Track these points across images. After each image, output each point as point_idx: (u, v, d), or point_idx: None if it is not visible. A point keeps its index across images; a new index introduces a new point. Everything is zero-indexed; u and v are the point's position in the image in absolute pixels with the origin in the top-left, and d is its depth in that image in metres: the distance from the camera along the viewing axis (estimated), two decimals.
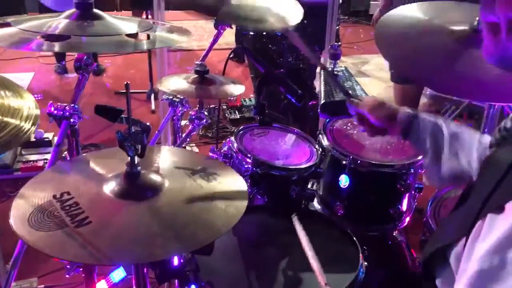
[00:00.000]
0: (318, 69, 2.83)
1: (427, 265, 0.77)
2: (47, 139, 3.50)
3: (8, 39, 1.22)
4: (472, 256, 0.63)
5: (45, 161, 3.32)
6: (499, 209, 0.62)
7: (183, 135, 1.81)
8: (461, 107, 3.59)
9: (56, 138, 3.49)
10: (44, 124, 1.20)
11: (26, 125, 0.92)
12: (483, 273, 0.61)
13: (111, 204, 1.04)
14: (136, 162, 1.07)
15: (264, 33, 2.92)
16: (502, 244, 0.60)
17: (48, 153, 3.44)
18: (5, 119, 0.91)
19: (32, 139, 3.49)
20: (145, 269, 1.15)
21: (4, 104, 0.95)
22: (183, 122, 1.93)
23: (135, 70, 5.26)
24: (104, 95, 4.58)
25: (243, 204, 1.11)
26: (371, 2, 7.43)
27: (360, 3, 7.65)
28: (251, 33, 3.05)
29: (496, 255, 0.60)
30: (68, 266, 1.42)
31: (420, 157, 1.66)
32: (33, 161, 3.34)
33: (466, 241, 0.66)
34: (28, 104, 0.98)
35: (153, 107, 4.26)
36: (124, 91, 4.33)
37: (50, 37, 1.24)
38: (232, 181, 1.18)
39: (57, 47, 1.20)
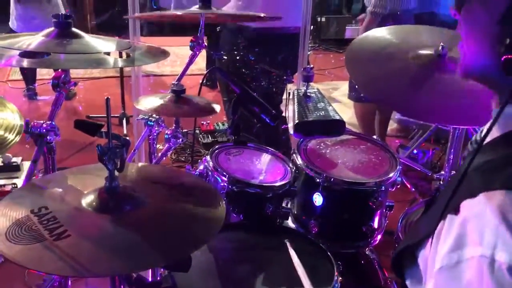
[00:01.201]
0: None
1: (396, 266, 0.80)
2: (15, 163, 3.44)
3: None
4: (436, 256, 0.67)
5: (14, 185, 3.26)
6: (456, 210, 0.67)
7: (159, 155, 1.83)
8: (428, 131, 3.70)
9: (24, 163, 3.46)
10: (13, 148, 1.20)
11: (10, 136, 0.92)
12: (444, 270, 0.65)
13: (90, 218, 1.05)
14: (115, 176, 1.08)
15: (238, 57, 2.98)
16: (457, 242, 0.64)
17: (17, 177, 3.38)
18: None
19: (0, 163, 3.43)
20: (121, 286, 1.15)
21: None
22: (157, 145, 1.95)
23: (107, 94, 5.23)
24: (76, 118, 4.53)
25: (220, 217, 1.12)
26: (347, 27, 7.63)
27: (331, 31, 7.86)
28: (224, 57, 3.11)
29: (454, 253, 0.64)
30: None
31: (391, 175, 1.72)
32: (1, 185, 3.27)
33: (432, 241, 0.70)
34: (12, 115, 0.98)
35: (125, 131, 4.25)
36: (96, 115, 4.34)
37: (28, 54, 1.25)
38: (209, 196, 1.20)
39: (36, 63, 1.21)
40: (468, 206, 0.66)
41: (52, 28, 1.33)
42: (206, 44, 2.07)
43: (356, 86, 3.17)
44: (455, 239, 0.65)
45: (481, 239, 0.62)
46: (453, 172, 2.15)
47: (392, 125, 4.25)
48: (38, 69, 5.11)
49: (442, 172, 2.20)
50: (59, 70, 1.34)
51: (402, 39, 1.79)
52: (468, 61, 0.79)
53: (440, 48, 1.73)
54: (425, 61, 1.75)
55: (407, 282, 0.78)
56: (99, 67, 1.15)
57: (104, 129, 1.07)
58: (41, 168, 2.00)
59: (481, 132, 0.80)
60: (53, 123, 1.32)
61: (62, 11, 4.66)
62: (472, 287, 0.61)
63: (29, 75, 5.01)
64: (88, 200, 1.08)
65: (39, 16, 4.45)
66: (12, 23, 4.64)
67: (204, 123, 4.21)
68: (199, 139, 4.00)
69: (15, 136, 0.93)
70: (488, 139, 0.72)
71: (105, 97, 1.04)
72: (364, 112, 3.73)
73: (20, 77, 5.35)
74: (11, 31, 4.54)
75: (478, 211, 0.64)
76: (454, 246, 0.64)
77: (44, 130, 1.31)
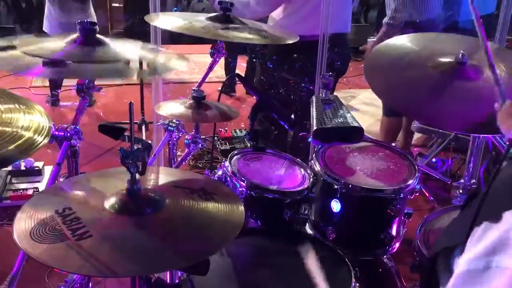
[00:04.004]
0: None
1: (431, 267, 0.80)
2: (37, 168, 3.50)
3: (13, 62, 1.26)
4: (462, 258, 0.67)
5: (35, 189, 3.31)
6: (497, 218, 0.66)
7: (179, 160, 1.85)
8: (447, 140, 3.67)
9: (46, 168, 3.52)
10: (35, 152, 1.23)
11: (39, 138, 0.95)
12: (468, 274, 0.64)
13: (111, 219, 1.07)
14: (137, 179, 1.10)
15: (256, 65, 3.01)
16: (489, 250, 0.63)
17: (38, 181, 3.44)
18: (20, 131, 0.95)
19: (22, 167, 3.50)
20: None
21: (18, 118, 0.99)
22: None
23: (126, 101, 5.30)
24: (98, 124, 4.60)
25: (239, 222, 1.14)
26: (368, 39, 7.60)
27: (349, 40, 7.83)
28: (242, 64, 3.13)
29: (483, 259, 0.63)
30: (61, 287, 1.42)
31: (410, 182, 1.71)
32: (22, 189, 3.33)
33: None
34: (40, 118, 1.02)
35: (144, 137, 4.29)
36: (117, 122, 4.40)
37: (52, 64, 1.27)
38: (229, 200, 1.21)
39: (58, 73, 1.23)
40: (508, 217, 0.65)
41: (76, 34, 1.36)
42: (225, 51, 2.09)
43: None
44: (487, 246, 0.64)
45: None
46: (473, 180, 2.13)
47: (417, 135, 4.24)
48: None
49: (461, 181, 2.18)
50: None
51: (422, 47, 1.79)
52: None
53: (460, 55, 1.72)
54: (445, 68, 1.74)
55: None
56: (122, 77, 1.17)
57: (127, 133, 1.09)
58: (62, 173, 2.04)
59: None
60: (77, 127, 1.36)
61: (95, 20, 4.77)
62: None
63: (56, 81, 5.11)
64: (110, 202, 1.10)
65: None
66: (50, 27, 4.75)
67: (222, 130, 4.24)
68: (217, 145, 4.03)
69: (44, 139, 0.96)
70: None
71: (128, 102, 1.06)
72: (391, 127, 3.72)
73: (42, 83, 5.46)
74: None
75: None
76: (485, 252, 0.63)
77: (69, 134, 1.34)
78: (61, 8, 4.65)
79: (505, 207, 0.65)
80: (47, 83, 5.28)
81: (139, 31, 4.11)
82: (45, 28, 4.80)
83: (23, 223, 1.02)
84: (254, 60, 3.00)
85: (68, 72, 1.31)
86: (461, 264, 0.66)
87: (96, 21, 4.69)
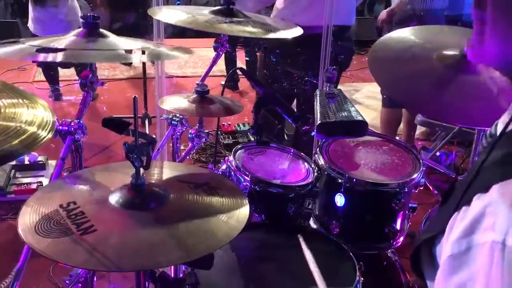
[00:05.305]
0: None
1: (415, 265, 0.80)
2: (41, 162, 3.51)
3: (20, 52, 1.27)
4: (445, 246, 0.67)
5: (39, 184, 3.32)
6: (469, 201, 0.66)
7: (182, 154, 1.85)
8: (451, 133, 3.66)
9: (50, 162, 3.53)
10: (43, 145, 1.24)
11: (43, 133, 0.95)
12: (453, 258, 0.64)
13: (116, 214, 1.07)
14: (141, 174, 1.10)
15: (258, 59, 2.99)
16: (468, 230, 0.64)
17: (42, 176, 3.44)
18: (24, 126, 0.95)
19: (26, 162, 3.50)
20: (146, 283, 1.17)
21: (22, 113, 0.99)
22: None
23: (129, 95, 5.31)
24: (100, 119, 4.61)
25: (244, 216, 1.13)
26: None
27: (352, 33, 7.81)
28: (246, 58, 3.12)
29: (463, 240, 0.64)
30: (67, 282, 1.43)
31: (414, 176, 1.71)
32: (26, 183, 3.34)
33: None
34: (44, 112, 1.01)
35: (147, 131, 4.29)
36: (119, 116, 4.41)
37: (51, 50, 1.27)
38: (234, 195, 1.21)
39: (61, 56, 1.23)
40: (481, 197, 0.65)
41: (80, 29, 1.37)
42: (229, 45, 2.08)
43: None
44: (465, 227, 0.64)
45: (493, 225, 0.61)
46: None
47: (421, 129, 4.23)
48: (62, 71, 5.21)
49: (466, 174, 2.17)
50: (87, 69, 1.37)
51: (426, 40, 1.77)
52: (495, 47, 0.75)
53: (465, 48, 1.71)
54: (450, 61, 1.73)
55: (428, 284, 0.78)
56: (123, 61, 1.16)
57: (131, 127, 1.09)
58: (66, 167, 2.04)
59: (496, 125, 0.79)
60: (81, 121, 1.35)
61: (80, 14, 4.73)
62: (482, 273, 0.61)
63: (52, 77, 5.10)
64: (114, 196, 1.10)
65: (56, 19, 4.52)
66: (31, 26, 4.73)
67: (225, 124, 4.24)
68: (220, 139, 4.03)
69: (48, 133, 0.96)
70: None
71: (132, 96, 1.06)
72: (390, 119, 3.71)
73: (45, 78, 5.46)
74: (33, 35, 4.63)
75: (490, 200, 0.63)
76: (464, 233, 0.64)
77: (73, 129, 1.34)
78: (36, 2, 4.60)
79: (476, 190, 0.66)
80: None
81: (142, 25, 4.09)
82: (29, 25, 4.77)
83: (27, 218, 1.02)
84: (257, 53, 2.98)
85: (69, 56, 1.30)
86: (445, 249, 0.66)
87: (80, 13, 4.64)
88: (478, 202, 0.65)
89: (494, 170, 0.68)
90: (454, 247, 0.64)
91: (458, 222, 0.66)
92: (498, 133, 0.75)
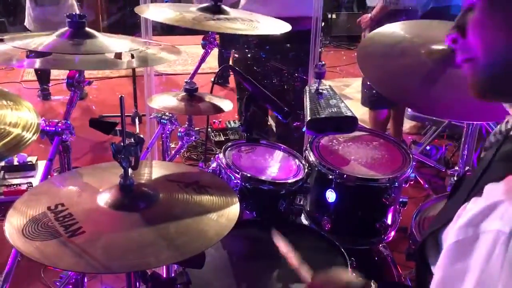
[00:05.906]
0: None
1: (421, 252, 0.80)
2: (30, 163, 3.48)
3: (1, 55, 1.25)
4: (451, 229, 0.68)
5: (29, 184, 3.30)
6: (480, 192, 0.67)
7: (172, 152, 1.84)
8: (441, 127, 3.68)
9: (39, 162, 3.50)
10: (28, 147, 1.22)
11: (28, 134, 0.94)
12: (458, 244, 0.65)
13: (105, 215, 1.06)
14: (129, 174, 1.09)
15: (249, 55, 2.98)
16: (477, 218, 0.65)
17: (32, 176, 3.42)
18: (8, 128, 0.93)
19: (15, 163, 3.47)
20: (137, 283, 1.16)
21: (6, 114, 0.97)
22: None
23: (119, 93, 5.27)
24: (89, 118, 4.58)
25: (234, 214, 1.13)
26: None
27: (342, 28, 7.83)
28: (236, 55, 3.11)
29: (470, 227, 0.64)
30: (57, 283, 1.42)
31: (404, 170, 1.71)
32: (16, 184, 3.31)
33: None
34: (28, 114, 1.00)
35: (137, 130, 4.27)
36: (109, 115, 4.38)
37: (42, 55, 1.26)
38: (224, 193, 1.20)
39: (49, 64, 1.22)
40: (490, 188, 0.66)
41: (66, 28, 1.35)
42: (218, 42, 2.07)
43: (368, 84, 3.15)
44: (473, 214, 0.65)
45: (501, 215, 0.62)
46: (468, 167, 2.13)
47: (405, 122, 4.23)
48: (51, 70, 5.16)
49: (456, 168, 2.18)
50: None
51: (414, 34, 1.77)
52: (490, 56, 0.74)
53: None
54: (439, 56, 1.73)
55: (432, 268, 0.78)
56: (113, 68, 1.15)
57: (118, 127, 1.08)
58: (55, 168, 2.02)
59: (506, 122, 0.80)
60: (68, 122, 1.34)
61: (77, 12, 4.70)
62: (483, 260, 0.62)
63: (43, 76, 5.05)
64: (103, 197, 1.09)
65: (56, 18, 4.48)
66: (29, 24, 4.68)
67: (216, 121, 4.23)
68: (211, 137, 4.02)
69: (32, 135, 0.95)
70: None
71: (119, 96, 1.05)
72: (378, 119, 3.71)
73: (34, 77, 5.41)
74: (26, 31, 4.59)
75: (500, 191, 0.64)
76: (471, 221, 0.65)
77: (60, 129, 1.32)
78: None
79: (485, 182, 0.67)
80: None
81: (130, 23, 4.06)
82: (26, 23, 4.73)
83: (14, 220, 1.01)
84: (247, 50, 2.97)
85: (55, 63, 1.28)
86: (450, 235, 0.67)
87: (77, 12, 4.62)
88: (489, 192, 0.66)
89: (506, 163, 0.69)
90: (460, 234, 0.65)
91: (467, 211, 0.67)
92: (505, 130, 0.76)
